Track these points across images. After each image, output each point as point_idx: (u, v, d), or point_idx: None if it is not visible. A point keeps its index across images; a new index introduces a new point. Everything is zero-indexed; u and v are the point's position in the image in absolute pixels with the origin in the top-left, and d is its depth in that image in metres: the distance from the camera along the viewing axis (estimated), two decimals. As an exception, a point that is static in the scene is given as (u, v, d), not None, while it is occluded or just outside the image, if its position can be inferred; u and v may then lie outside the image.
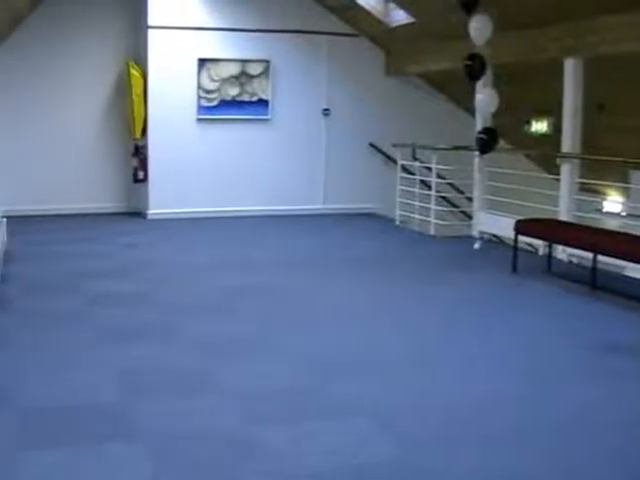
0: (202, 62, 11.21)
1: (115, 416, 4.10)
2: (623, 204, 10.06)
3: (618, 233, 7.67)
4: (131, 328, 5.78)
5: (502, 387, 4.67)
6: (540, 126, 10.75)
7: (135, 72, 11.00)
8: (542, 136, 10.71)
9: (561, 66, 8.50)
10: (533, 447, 3.81)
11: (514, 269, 7.87)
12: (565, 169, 8.71)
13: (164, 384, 4.63)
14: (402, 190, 11.20)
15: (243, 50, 11.38)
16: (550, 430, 4.03)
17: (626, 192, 9.98)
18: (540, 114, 10.60)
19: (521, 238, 8.01)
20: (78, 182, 11.27)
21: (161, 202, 11.18)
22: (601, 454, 3.75)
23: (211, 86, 11.32)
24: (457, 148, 10.47)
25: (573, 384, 4.75)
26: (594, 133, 8.79)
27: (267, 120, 11.65)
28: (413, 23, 10.42)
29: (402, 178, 11.31)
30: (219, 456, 3.66)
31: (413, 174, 11.27)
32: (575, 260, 8.37)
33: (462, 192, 11.50)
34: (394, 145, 11.58)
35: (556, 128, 9.41)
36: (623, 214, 9.84)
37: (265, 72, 11.50)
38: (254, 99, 11.53)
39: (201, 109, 11.32)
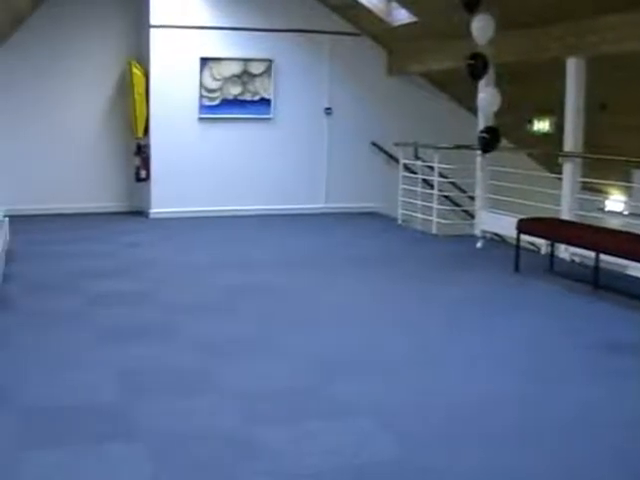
0: (204, 61, 11.21)
1: (115, 416, 4.10)
2: (625, 203, 10.04)
3: (620, 232, 7.65)
4: (132, 328, 5.78)
5: (504, 386, 4.66)
6: (542, 125, 10.74)
7: (137, 71, 11.00)
8: (544, 135, 10.70)
9: (563, 65, 8.48)
10: (535, 446, 3.80)
11: (516, 268, 7.86)
12: (567, 168, 8.70)
13: (164, 384, 4.63)
14: (404, 189, 11.19)
15: (245, 49, 11.38)
16: (552, 429, 4.02)
17: (628, 191, 9.97)
18: (542, 113, 10.60)
19: (523, 237, 7.99)
20: (80, 181, 11.28)
21: (163, 201, 11.18)
22: (603, 453, 3.74)
23: (213, 85, 11.32)
24: (459, 147, 10.46)
25: (575, 383, 4.74)
26: (596, 132, 8.77)
27: (269, 119, 11.65)
28: (415, 22, 10.41)
29: (404, 177, 11.29)
30: (219, 456, 3.65)
31: (415, 173, 11.26)
32: (577, 259, 8.36)
33: (464, 191, 11.49)
34: (396, 144, 11.57)
35: (558, 127, 9.40)
36: (625, 213, 9.82)
37: (267, 71, 11.49)
38: (256, 98, 11.53)
39: (203, 108, 11.32)
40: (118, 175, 11.54)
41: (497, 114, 8.87)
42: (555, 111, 9.46)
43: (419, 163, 11.30)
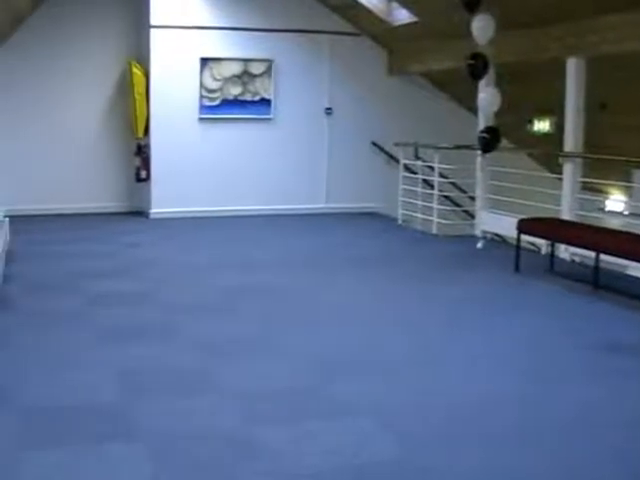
0: (204, 61, 11.21)
1: (115, 416, 4.10)
2: (626, 203, 10.04)
3: (620, 232, 7.65)
4: (132, 328, 5.78)
5: (504, 386, 4.66)
6: (542, 125, 10.74)
7: (137, 71, 11.00)
8: (544, 135, 10.70)
9: (563, 65, 8.48)
10: (535, 446, 3.80)
11: (517, 268, 7.86)
12: (567, 168, 8.70)
13: (164, 384, 4.62)
14: (404, 189, 11.18)
15: (245, 49, 11.38)
16: (552, 429, 4.02)
17: (629, 191, 9.97)
18: (542, 113, 10.60)
19: (524, 237, 7.99)
20: (80, 182, 11.28)
21: (163, 201, 11.18)
22: (603, 453, 3.74)
23: (213, 85, 11.32)
24: (459, 147, 10.45)
25: (575, 383, 4.74)
26: (596, 132, 8.77)
27: (269, 119, 11.65)
28: (415, 22, 10.41)
29: (404, 177, 11.29)
30: (219, 456, 3.65)
31: (415, 173, 11.26)
32: (577, 259, 8.36)
33: (464, 191, 11.48)
34: (396, 144, 11.56)
35: (558, 127, 9.40)
36: (626, 213, 9.82)
37: (267, 71, 11.49)
38: (256, 98, 11.53)
39: (203, 108, 11.32)
40: (118, 175, 11.54)
41: (497, 114, 8.87)
42: (555, 111, 9.46)
43: (419, 163, 11.29)
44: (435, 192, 10.61)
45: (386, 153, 12.12)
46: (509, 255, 8.15)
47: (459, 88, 11.15)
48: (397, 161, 11.63)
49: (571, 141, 8.61)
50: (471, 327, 5.97)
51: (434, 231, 10.39)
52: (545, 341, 5.62)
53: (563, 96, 8.59)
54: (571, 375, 4.89)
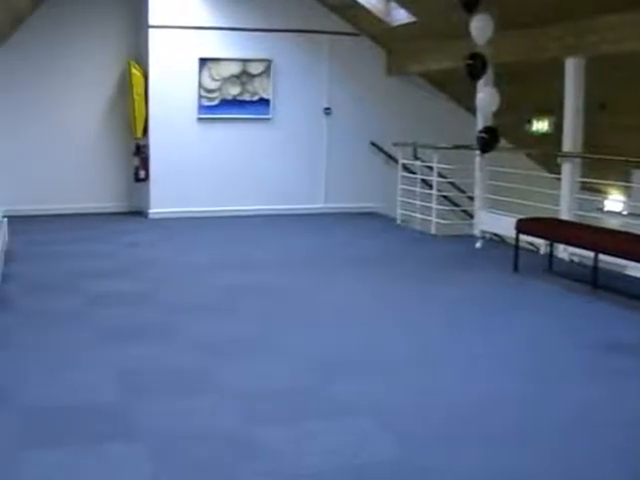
0: (203, 61, 11.21)
1: (115, 416, 4.10)
2: (624, 203, 10.04)
3: (619, 232, 7.66)
4: (132, 328, 5.78)
5: (504, 386, 4.67)
6: (541, 125, 10.74)
7: (136, 71, 11.00)
8: (543, 135, 10.70)
9: (562, 65, 8.49)
10: (535, 446, 3.80)
11: (515, 268, 7.86)
12: (566, 168, 8.70)
13: (164, 384, 4.63)
14: (403, 189, 11.19)
15: (244, 49, 11.38)
16: (552, 429, 4.02)
17: (627, 191, 9.97)
18: (541, 113, 10.60)
19: (522, 237, 8.00)
20: (79, 182, 11.27)
21: (162, 201, 11.18)
22: (603, 453, 3.75)
23: (212, 85, 11.32)
24: (458, 147, 10.46)
25: (574, 383, 4.74)
26: (595, 132, 8.78)
27: (268, 119, 11.65)
28: (414, 22, 10.41)
29: (403, 177, 11.29)
30: (219, 456, 3.65)
31: (414, 173, 11.26)
32: (576, 259, 8.37)
33: (463, 191, 11.49)
34: (395, 144, 11.56)
35: (557, 127, 9.39)
36: (624, 213, 9.82)
37: (266, 71, 11.50)
38: (255, 98, 11.53)
39: (202, 108, 11.32)
40: (117, 175, 11.53)
41: (496, 114, 8.87)
42: (554, 111, 9.46)
43: (418, 163, 11.30)
44: (434, 192, 10.61)
45: (385, 153, 12.12)
46: (508, 255, 8.15)
47: (458, 88, 11.15)
48: (396, 161, 11.63)
49: (570, 141, 8.62)
50: (470, 327, 5.97)
51: (433, 231, 10.39)
52: (544, 341, 5.63)
53: (562, 96, 8.60)
54: (571, 375, 4.90)
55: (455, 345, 5.51)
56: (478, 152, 9.02)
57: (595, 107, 8.92)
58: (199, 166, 11.35)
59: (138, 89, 10.98)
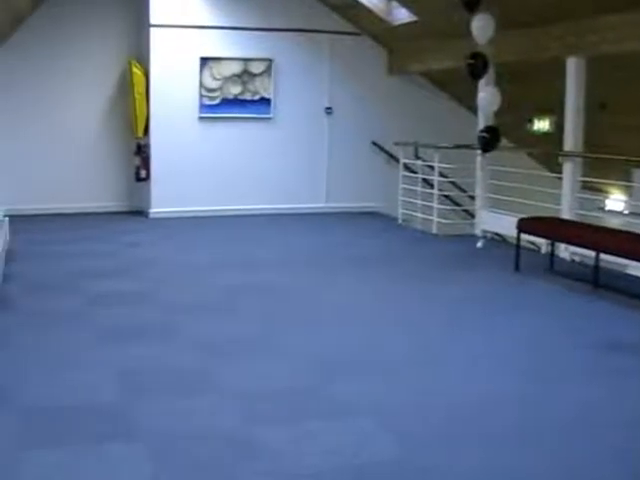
0: (204, 61, 11.21)
1: (115, 416, 4.10)
2: (625, 202, 10.04)
3: (620, 231, 7.65)
4: (132, 328, 5.78)
5: (504, 386, 4.66)
6: (542, 124, 10.74)
7: (137, 71, 11.00)
8: (544, 134, 10.70)
9: (563, 65, 8.48)
10: (535, 446, 3.80)
11: (517, 268, 7.86)
12: (567, 167, 8.70)
13: (164, 384, 4.63)
14: (404, 189, 11.19)
15: (245, 49, 11.38)
16: (552, 429, 4.02)
17: (628, 190, 9.97)
18: (542, 113, 10.59)
19: (523, 237, 7.99)
20: (80, 181, 11.28)
21: (163, 201, 11.18)
22: (603, 453, 3.74)
23: (213, 85, 11.32)
24: (459, 147, 10.45)
25: (575, 383, 4.74)
26: (596, 132, 8.77)
27: (269, 119, 11.65)
28: (415, 22, 10.40)
29: (404, 177, 11.29)
30: (219, 456, 3.65)
31: (415, 173, 11.26)
32: (577, 258, 8.36)
33: (464, 191, 11.48)
34: (396, 144, 11.56)
35: (558, 126, 9.39)
36: (625, 212, 9.82)
37: (267, 71, 11.49)
38: (256, 98, 11.53)
39: (203, 108, 11.32)
40: (118, 175, 11.53)
41: (497, 113, 8.87)
42: (555, 110, 9.46)
43: (419, 162, 11.29)
44: (435, 191, 10.60)
45: (386, 152, 12.12)
46: (509, 254, 8.14)
47: (459, 87, 11.15)
48: (397, 160, 11.63)
49: (571, 140, 8.61)
50: (471, 327, 5.97)
51: (434, 230, 10.39)
52: (545, 341, 5.62)
53: (563, 95, 8.59)
54: (571, 375, 4.89)
55: (456, 345, 5.50)
56: (479, 151, 9.03)
57: (596, 107, 8.92)
58: (200, 165, 11.35)
59: (139, 88, 10.98)
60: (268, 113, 11.61)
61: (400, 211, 11.18)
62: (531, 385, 4.69)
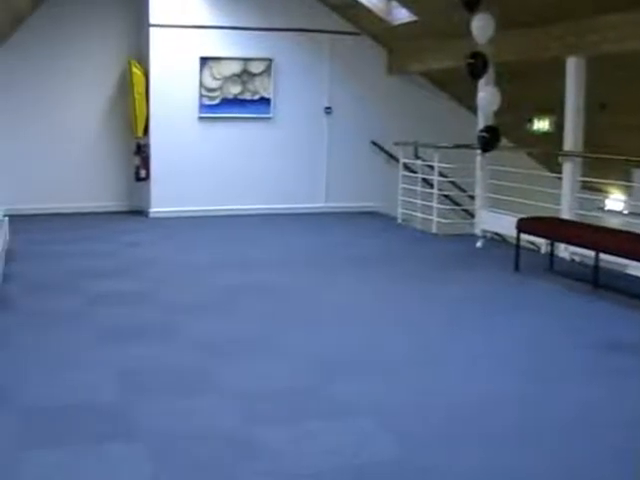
0: (204, 60, 11.21)
1: (115, 416, 4.10)
2: (625, 202, 10.04)
3: (620, 231, 7.65)
4: (132, 327, 5.78)
5: (504, 386, 4.66)
6: (542, 124, 10.74)
7: (137, 71, 11.00)
8: (544, 134, 10.70)
9: (563, 64, 8.48)
10: (535, 446, 3.80)
11: (516, 267, 7.86)
12: (567, 167, 8.70)
13: (164, 384, 4.62)
14: (404, 188, 11.19)
15: (245, 48, 11.38)
16: (552, 429, 4.02)
17: (628, 190, 9.97)
18: (542, 112, 10.59)
19: (523, 236, 7.99)
20: (80, 181, 11.28)
21: (163, 201, 11.18)
22: (603, 453, 3.74)
23: (213, 84, 11.32)
24: (459, 146, 10.45)
25: (575, 383, 4.74)
26: (596, 132, 8.77)
27: (269, 118, 11.65)
28: (415, 21, 10.40)
29: (404, 176, 11.29)
30: (219, 456, 3.65)
31: (415, 172, 11.26)
32: (577, 258, 8.36)
33: (464, 190, 11.49)
34: (396, 143, 11.56)
35: (558, 126, 9.39)
36: (625, 212, 9.82)
37: (267, 70, 11.49)
38: (256, 97, 11.53)
39: (203, 107, 11.32)
40: (118, 175, 11.53)
41: (497, 113, 8.87)
42: (555, 110, 9.45)
43: (419, 162, 11.30)
44: (435, 191, 10.60)
45: (386, 152, 12.11)
46: (509, 254, 8.14)
47: (459, 87, 11.15)
48: (397, 160, 11.63)
49: (571, 140, 8.61)
50: (471, 326, 5.97)
51: (434, 230, 10.39)
52: (545, 341, 5.62)
53: (563, 95, 8.59)
54: (571, 375, 4.89)
55: (455, 345, 5.50)
56: (479, 151, 9.02)
57: (596, 107, 8.92)
58: (200, 165, 11.35)
59: (139, 88, 10.98)
60: (268, 113, 11.61)
61: (400, 211, 11.19)
62: (531, 385, 4.69)
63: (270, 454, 3.66)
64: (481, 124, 9.11)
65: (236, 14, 11.31)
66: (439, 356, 5.25)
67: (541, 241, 8.59)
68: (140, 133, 11.13)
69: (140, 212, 11.40)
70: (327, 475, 3.49)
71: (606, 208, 10.21)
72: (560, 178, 8.88)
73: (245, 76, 11.42)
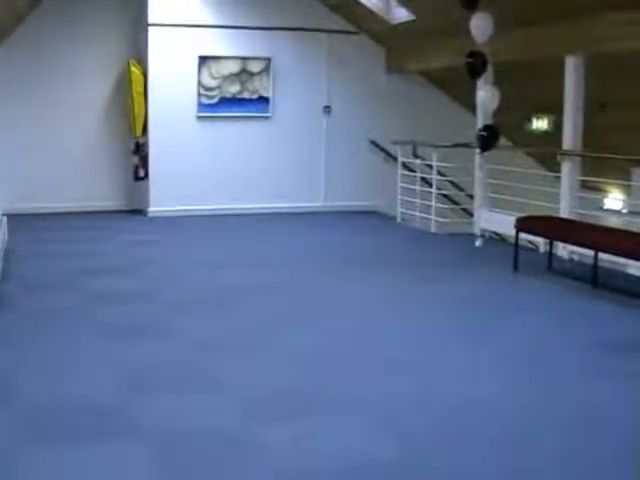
0: (203, 59, 11.20)
1: (115, 415, 4.09)
2: (624, 201, 10.04)
3: (619, 231, 7.65)
4: (131, 326, 5.77)
5: (504, 386, 4.66)
6: (541, 124, 10.74)
7: (136, 70, 10.99)
8: (543, 134, 10.70)
9: (562, 63, 8.47)
10: (535, 446, 3.80)
11: (515, 267, 7.85)
12: (566, 166, 8.69)
13: (164, 383, 4.62)
14: (403, 188, 11.18)
15: (244, 47, 11.37)
16: (552, 429, 4.01)
17: (627, 189, 9.97)
18: (541, 112, 10.59)
19: (522, 236, 7.99)
20: (79, 180, 11.26)
21: (162, 200, 11.17)
22: (603, 453, 3.74)
23: (212, 83, 11.31)
24: (458, 145, 10.45)
25: (574, 383, 4.73)
26: (596, 131, 8.76)
27: (268, 117, 11.64)
28: (414, 20, 10.40)
29: (403, 175, 11.29)
30: (219, 456, 3.65)
31: (414, 171, 11.26)
32: (576, 258, 8.36)
33: (463, 189, 11.49)
34: (395, 142, 11.57)
35: (557, 126, 9.39)
36: (624, 211, 9.82)
37: (266, 69, 11.48)
38: (255, 96, 11.52)
39: (202, 107, 11.31)
40: (117, 174, 11.53)
41: (496, 112, 8.86)
42: (554, 109, 9.45)
43: (418, 161, 11.29)
44: (433, 190, 10.60)
45: (384, 151, 12.11)
46: (508, 253, 8.14)
47: (458, 86, 11.14)
48: (395, 159, 11.63)
49: (570, 139, 8.60)
50: (470, 326, 5.96)
51: (432, 229, 10.39)
52: (544, 340, 5.62)
53: (562, 94, 8.59)
54: (571, 374, 4.89)
55: (455, 344, 5.50)
56: (478, 150, 9.02)
57: (595, 106, 8.91)
58: (198, 165, 11.34)
59: (138, 87, 10.97)
60: (266, 112, 11.60)
61: (398, 210, 11.19)
62: (531, 385, 4.69)
63: (270, 454, 3.65)
64: (480, 123, 9.10)
65: (235, 13, 11.30)
66: (439, 356, 5.24)
67: (540, 240, 8.59)
68: (139, 132, 11.12)
69: (139, 211, 11.40)
70: (327, 475, 3.48)
71: (605, 207, 10.21)
72: (559, 177, 8.88)
73: (244, 75, 11.41)
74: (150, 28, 10.95)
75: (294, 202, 11.71)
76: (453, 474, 3.53)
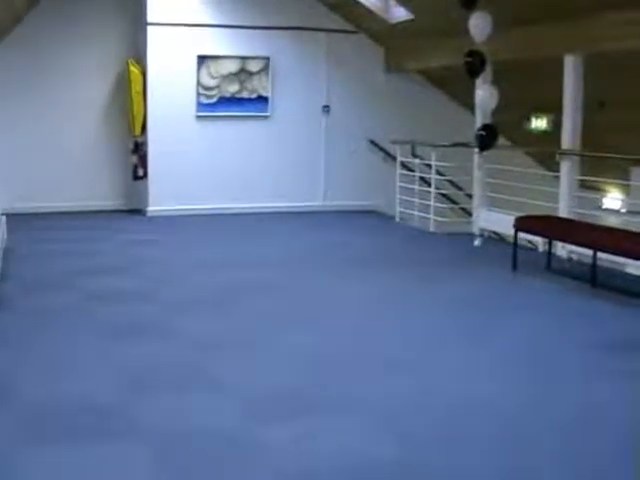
0: (202, 59, 11.20)
1: (115, 415, 4.09)
2: (623, 201, 10.04)
3: (618, 230, 7.65)
4: (131, 326, 5.77)
5: (503, 386, 4.66)
6: (540, 123, 10.74)
7: (134, 69, 10.99)
8: (542, 133, 10.70)
9: (561, 63, 8.47)
10: (534, 446, 3.80)
11: (514, 266, 7.86)
12: (565, 166, 8.69)
13: (164, 382, 4.62)
14: (402, 187, 11.19)
15: (243, 47, 11.37)
16: (551, 429, 4.02)
17: (626, 189, 9.97)
18: (540, 111, 10.59)
19: (521, 235, 7.99)
20: (78, 179, 11.26)
21: (161, 199, 11.17)
22: (603, 453, 3.74)
23: (211, 83, 11.31)
24: (457, 145, 10.44)
25: (574, 383, 4.74)
26: (595, 130, 8.76)
27: (267, 117, 11.64)
28: (413, 20, 10.40)
29: (402, 175, 11.30)
30: (219, 456, 3.65)
31: (413, 171, 11.26)
32: (575, 257, 8.37)
33: (462, 189, 11.49)
34: (393, 142, 11.57)
35: (556, 125, 9.39)
36: (623, 211, 9.82)
37: (265, 69, 11.48)
38: (254, 96, 11.52)
39: (201, 106, 11.30)
40: (116, 173, 11.52)
41: (495, 112, 8.86)
42: (553, 109, 9.45)
43: (417, 161, 11.29)
44: (432, 190, 10.60)
45: (383, 151, 12.11)
46: (506, 253, 8.14)
47: (456, 86, 11.15)
48: (394, 159, 11.63)
49: (569, 139, 8.60)
50: (469, 325, 5.97)
51: (431, 229, 10.39)
52: (543, 340, 5.62)
53: (561, 94, 8.59)
54: (570, 374, 4.89)
55: (454, 344, 5.50)
56: (477, 150, 9.03)
57: (594, 105, 8.91)
58: (197, 164, 11.34)
59: (137, 87, 10.96)
60: (265, 111, 11.60)
61: (397, 209, 11.19)
62: (530, 385, 4.69)
63: (270, 454, 3.65)
64: (479, 122, 9.11)
65: (234, 12, 11.30)
66: (438, 355, 5.25)
67: (539, 240, 8.59)
68: (138, 132, 11.12)
69: (138, 211, 11.39)
70: (327, 475, 3.49)
71: (604, 207, 10.22)
72: (558, 177, 8.88)
73: (243, 75, 11.41)
74: (149, 27, 10.95)
75: (293, 201, 11.71)
76: (453, 474, 3.53)
